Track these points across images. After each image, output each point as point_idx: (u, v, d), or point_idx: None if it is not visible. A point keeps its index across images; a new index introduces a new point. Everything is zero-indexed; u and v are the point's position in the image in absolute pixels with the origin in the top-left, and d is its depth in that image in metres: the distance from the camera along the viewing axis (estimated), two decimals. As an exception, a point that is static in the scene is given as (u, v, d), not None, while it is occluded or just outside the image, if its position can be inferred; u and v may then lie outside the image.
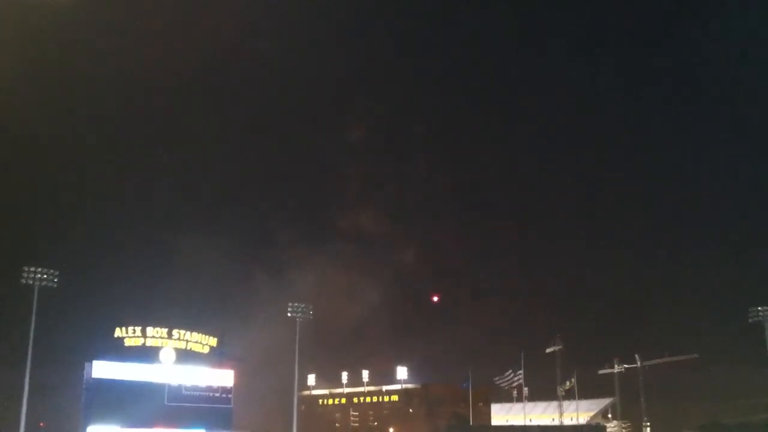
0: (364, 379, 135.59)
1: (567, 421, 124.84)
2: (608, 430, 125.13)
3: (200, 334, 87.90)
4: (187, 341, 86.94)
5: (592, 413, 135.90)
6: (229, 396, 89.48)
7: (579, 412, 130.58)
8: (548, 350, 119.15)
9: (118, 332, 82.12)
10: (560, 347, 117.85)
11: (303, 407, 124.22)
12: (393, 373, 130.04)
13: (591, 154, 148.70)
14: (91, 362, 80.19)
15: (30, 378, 74.34)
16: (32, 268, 76.57)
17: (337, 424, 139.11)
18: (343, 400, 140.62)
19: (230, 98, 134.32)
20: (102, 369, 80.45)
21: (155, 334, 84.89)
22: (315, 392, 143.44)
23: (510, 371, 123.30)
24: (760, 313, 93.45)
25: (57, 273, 78.03)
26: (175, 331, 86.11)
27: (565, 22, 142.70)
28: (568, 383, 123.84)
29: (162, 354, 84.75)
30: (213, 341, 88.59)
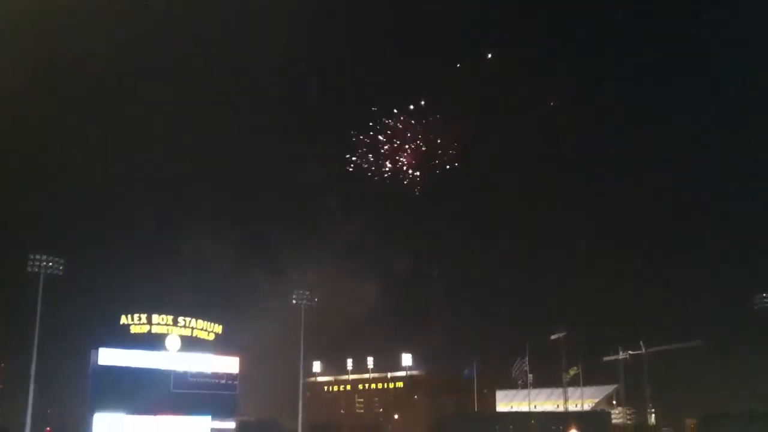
0: (369, 366, 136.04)
1: (572, 408, 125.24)
2: (613, 416, 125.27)
3: (205, 322, 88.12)
4: (193, 328, 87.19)
5: (596, 400, 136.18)
6: (235, 383, 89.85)
7: (584, 399, 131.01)
8: (553, 337, 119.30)
9: (123, 319, 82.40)
10: (565, 334, 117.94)
11: (308, 394, 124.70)
12: (398, 360, 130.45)
13: (596, 144, 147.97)
14: (98, 349, 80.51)
15: (37, 365, 74.74)
16: (38, 256, 76.77)
17: (342, 411, 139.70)
18: (348, 387, 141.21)
19: (238, 93, 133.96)
20: (108, 356, 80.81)
21: (161, 321, 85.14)
22: (320, 379, 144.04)
23: (518, 359, 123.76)
24: (766, 300, 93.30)
25: (63, 261, 78.24)
26: (180, 319, 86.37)
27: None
28: (572, 371, 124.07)
29: (167, 341, 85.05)
30: (218, 328, 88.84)
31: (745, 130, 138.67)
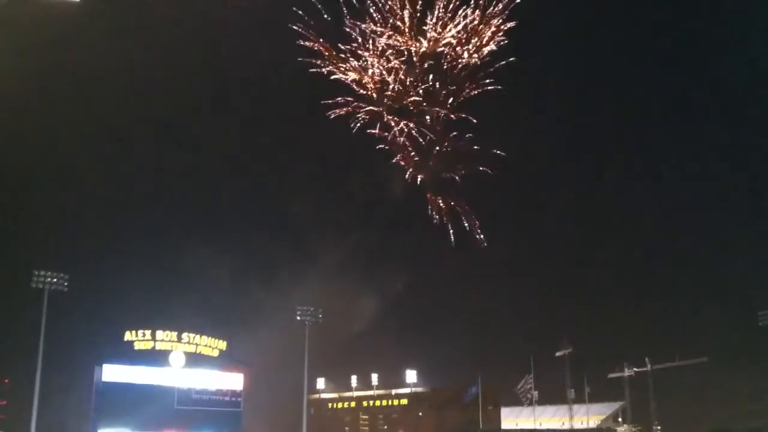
0: (373, 383, 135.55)
1: (577, 425, 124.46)
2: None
3: (210, 338, 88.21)
4: (197, 345, 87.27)
5: (602, 417, 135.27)
6: (239, 399, 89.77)
7: (589, 416, 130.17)
8: (558, 354, 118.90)
9: (128, 336, 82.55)
10: (570, 351, 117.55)
11: (312, 411, 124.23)
12: (402, 376, 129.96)
13: (595, 153, 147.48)
14: (101, 365, 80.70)
15: (41, 381, 74.79)
16: (43, 272, 77.15)
17: (346, 428, 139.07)
18: (353, 404, 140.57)
19: (243, 102, 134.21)
20: (112, 372, 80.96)
21: (165, 338, 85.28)
22: (324, 396, 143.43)
23: (524, 379, 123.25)
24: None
25: (67, 277, 78.66)
26: (184, 335, 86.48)
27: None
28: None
29: (172, 357, 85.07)
30: (223, 345, 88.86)
31: (755, 149, 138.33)
